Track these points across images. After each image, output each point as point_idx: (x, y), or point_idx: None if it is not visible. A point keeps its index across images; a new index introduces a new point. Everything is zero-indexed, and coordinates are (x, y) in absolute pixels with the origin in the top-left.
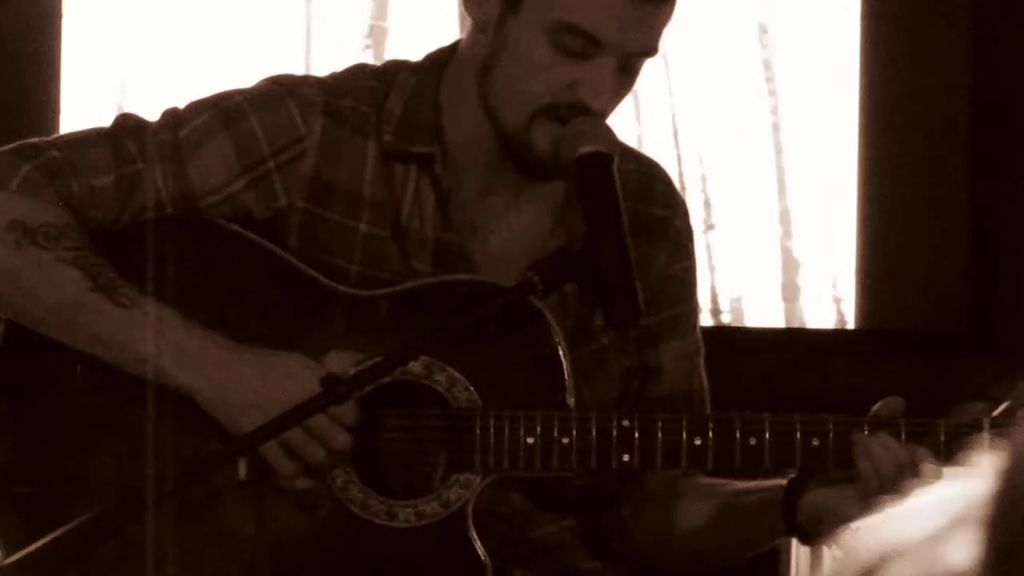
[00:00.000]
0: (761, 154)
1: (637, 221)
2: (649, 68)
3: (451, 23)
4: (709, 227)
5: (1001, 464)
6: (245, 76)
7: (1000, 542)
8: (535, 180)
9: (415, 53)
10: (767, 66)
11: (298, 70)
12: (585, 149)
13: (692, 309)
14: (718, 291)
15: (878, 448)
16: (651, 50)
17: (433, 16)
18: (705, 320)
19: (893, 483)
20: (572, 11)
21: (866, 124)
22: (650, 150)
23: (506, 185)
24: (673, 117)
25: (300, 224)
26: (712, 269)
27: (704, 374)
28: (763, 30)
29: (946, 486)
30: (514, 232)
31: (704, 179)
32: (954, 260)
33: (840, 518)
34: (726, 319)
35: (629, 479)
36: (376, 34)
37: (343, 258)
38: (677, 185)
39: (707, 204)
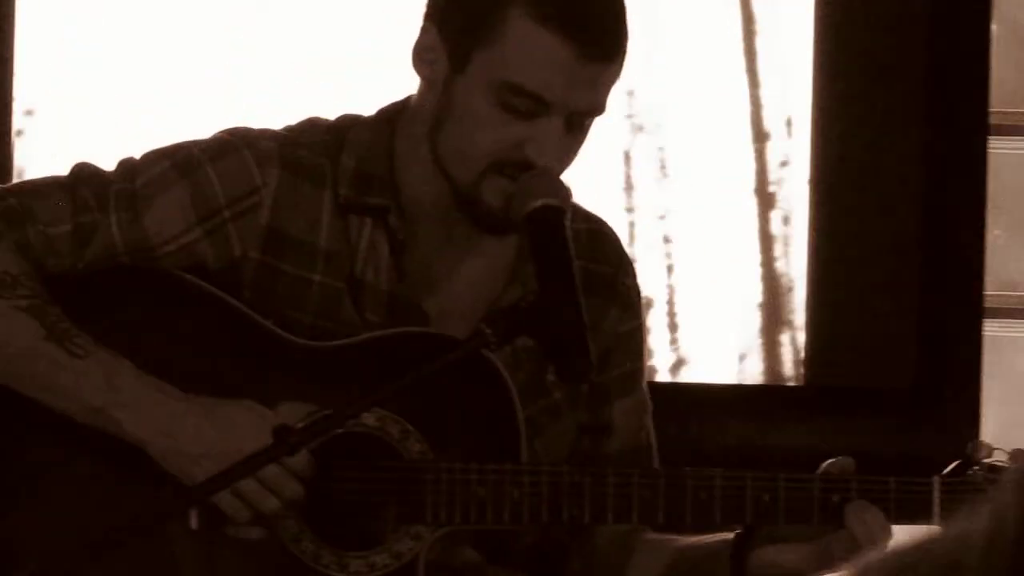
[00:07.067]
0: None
1: (587, 279)
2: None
3: None
4: (669, 287)
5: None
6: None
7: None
8: (487, 234)
9: None
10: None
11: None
12: (536, 203)
13: (640, 367)
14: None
15: (870, 515)
16: (597, 109)
17: None
18: (663, 375)
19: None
20: (517, 71)
21: (816, 182)
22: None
23: (460, 238)
24: (627, 176)
25: (254, 275)
26: (673, 327)
27: (652, 431)
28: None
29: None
30: (468, 285)
31: (667, 240)
32: (901, 318)
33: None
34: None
35: (580, 534)
36: None
37: (297, 309)
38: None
39: (670, 268)
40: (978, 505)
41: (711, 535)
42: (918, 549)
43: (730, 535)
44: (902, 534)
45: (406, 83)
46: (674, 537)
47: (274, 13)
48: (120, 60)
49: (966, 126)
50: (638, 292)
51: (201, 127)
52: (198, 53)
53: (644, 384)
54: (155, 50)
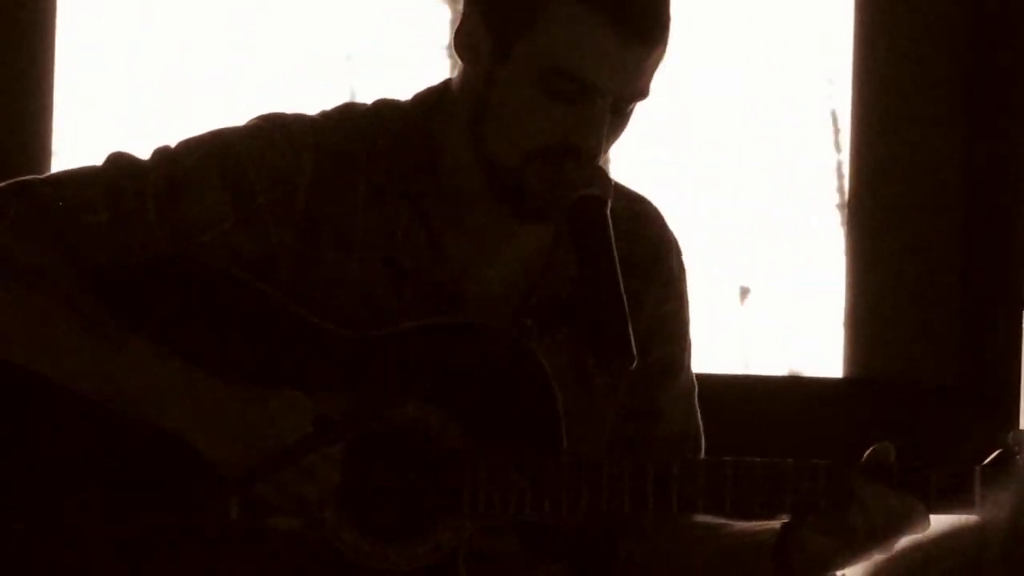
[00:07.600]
0: (748, 206)
1: (628, 260)
2: None
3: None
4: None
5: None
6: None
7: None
8: (528, 222)
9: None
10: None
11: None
12: (580, 193)
13: (684, 348)
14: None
15: (872, 499)
16: (642, 92)
17: None
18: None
19: (883, 533)
20: (562, 56)
21: (855, 174)
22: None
23: (497, 224)
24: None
25: (292, 262)
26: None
27: (698, 413)
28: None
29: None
30: (504, 271)
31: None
32: (942, 312)
33: (829, 566)
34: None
35: (627, 521)
36: None
37: (336, 296)
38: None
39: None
40: (1000, 497)
41: (760, 524)
42: (939, 543)
43: (777, 525)
44: (942, 524)
45: (406, 83)
46: (722, 523)
47: (274, 13)
48: (120, 60)
49: (1008, 122)
50: (681, 270)
51: (202, 127)
52: (198, 53)
53: (689, 365)
54: (154, 50)
